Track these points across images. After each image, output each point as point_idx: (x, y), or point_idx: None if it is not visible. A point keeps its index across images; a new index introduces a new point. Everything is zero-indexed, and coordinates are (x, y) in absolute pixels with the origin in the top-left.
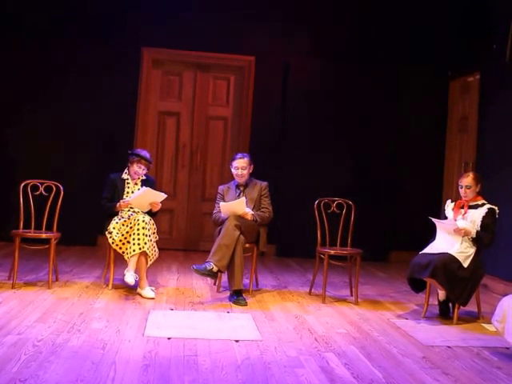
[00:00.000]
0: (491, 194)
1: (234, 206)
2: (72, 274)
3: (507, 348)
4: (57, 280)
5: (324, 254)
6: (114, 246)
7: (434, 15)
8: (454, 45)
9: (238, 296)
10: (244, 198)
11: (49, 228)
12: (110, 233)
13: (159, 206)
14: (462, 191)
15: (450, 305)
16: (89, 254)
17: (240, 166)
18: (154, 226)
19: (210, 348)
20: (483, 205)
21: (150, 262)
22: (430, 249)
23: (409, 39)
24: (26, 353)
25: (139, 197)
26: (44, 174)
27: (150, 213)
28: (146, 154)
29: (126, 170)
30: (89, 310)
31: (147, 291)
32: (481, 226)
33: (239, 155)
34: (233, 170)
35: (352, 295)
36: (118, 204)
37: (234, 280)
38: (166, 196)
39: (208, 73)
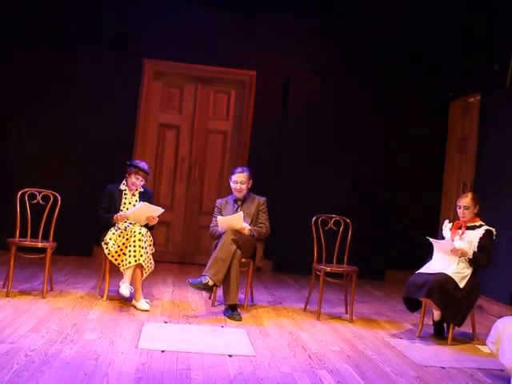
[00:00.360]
0: (489, 215)
1: (232, 221)
2: (67, 284)
3: (501, 370)
4: (51, 290)
5: (320, 271)
6: (109, 257)
7: (436, 35)
8: (456, 66)
9: (232, 311)
10: (242, 212)
11: (45, 237)
12: (107, 244)
13: (156, 221)
14: (459, 211)
15: (445, 325)
16: (84, 264)
17: (239, 180)
18: (151, 238)
19: (203, 362)
20: (481, 226)
21: (145, 275)
22: (427, 268)
23: (410, 58)
24: (18, 362)
25: (136, 211)
26: (42, 183)
27: (146, 226)
28: (144, 165)
29: (123, 181)
30: (83, 320)
31: (142, 303)
32: (478, 247)
33: (239, 169)
34: (232, 184)
35: (347, 313)
36: (115, 216)
37: (230, 294)
38: (163, 210)
39: (209, 86)
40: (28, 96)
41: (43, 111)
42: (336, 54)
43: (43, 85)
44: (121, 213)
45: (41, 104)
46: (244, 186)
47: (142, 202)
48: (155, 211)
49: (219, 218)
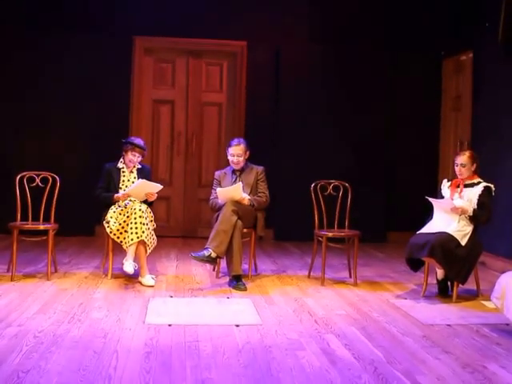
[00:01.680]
0: (487, 172)
1: (231, 192)
2: (71, 265)
3: (507, 324)
4: (56, 271)
5: (322, 237)
6: (111, 235)
7: None
8: (447, 23)
9: (237, 281)
10: (241, 183)
11: (46, 219)
12: (108, 222)
13: (155, 197)
14: (457, 169)
15: (449, 283)
16: (87, 244)
17: (236, 153)
18: (151, 213)
19: (210, 333)
20: (479, 183)
21: (148, 251)
22: (428, 228)
23: (401, 19)
24: (27, 344)
25: (135, 188)
26: (39, 165)
27: (146, 201)
28: (139, 141)
29: (121, 159)
30: (88, 299)
31: (147, 279)
32: (477, 205)
33: (235, 141)
34: (229, 157)
35: (351, 277)
36: (116, 196)
37: (233, 265)
38: (161, 187)
39: (200, 59)
40: (18, 77)
41: (35, 92)
42: (326, 20)
43: (33, 65)
44: (121, 192)
45: (32, 85)
46: (241, 159)
47: (140, 180)
48: (154, 188)
49: (218, 189)
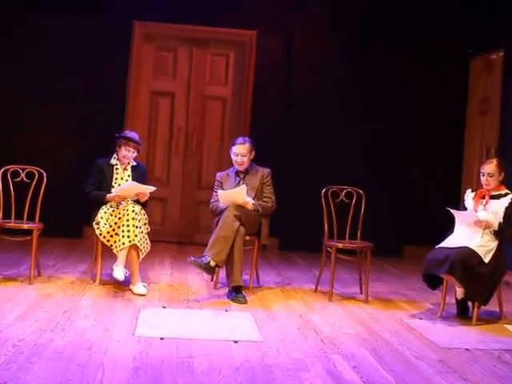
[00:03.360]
0: None
1: (234, 195)
2: (56, 269)
3: None
4: (39, 275)
5: (331, 248)
6: (101, 238)
7: None
8: (477, 19)
9: (237, 293)
10: (244, 185)
11: (31, 218)
12: (98, 223)
13: (147, 197)
14: (483, 179)
15: (469, 304)
16: (74, 246)
17: (240, 152)
18: (146, 216)
19: (206, 349)
20: (506, 194)
21: (141, 256)
22: (448, 243)
23: (428, 12)
24: (5, 353)
25: (123, 189)
26: (26, 159)
27: (139, 202)
28: (134, 135)
29: (114, 155)
30: (74, 307)
31: (139, 287)
32: (504, 218)
33: (240, 140)
34: (232, 157)
35: (362, 293)
36: (108, 197)
37: (233, 275)
38: (154, 189)
39: (205, 49)
40: (7, 61)
41: (24, 79)
42: (344, 11)
43: (25, 51)
44: (113, 191)
45: (19, 72)
46: (245, 159)
47: (129, 182)
48: (145, 190)
49: (220, 192)
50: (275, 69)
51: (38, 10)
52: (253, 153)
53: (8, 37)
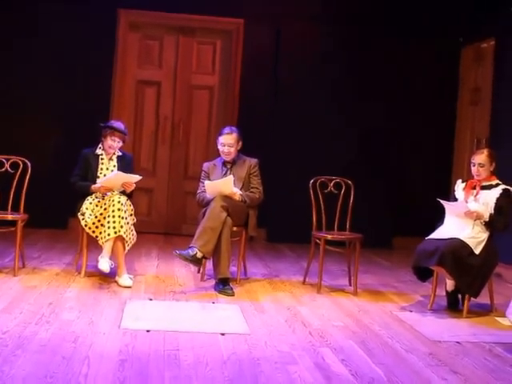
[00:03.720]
0: (506, 174)
1: (221, 185)
2: (40, 260)
3: None
4: (23, 266)
5: (320, 239)
6: (86, 229)
7: None
8: (467, 8)
9: (224, 285)
10: (232, 176)
11: (15, 209)
12: (83, 214)
13: (133, 187)
14: (474, 169)
15: (460, 296)
16: (59, 237)
17: (227, 142)
18: (132, 207)
19: (192, 342)
20: (497, 185)
21: (127, 248)
22: (438, 234)
23: (418, 1)
24: None
25: (109, 180)
26: (9, 149)
27: (124, 193)
28: (119, 125)
29: (99, 145)
30: (59, 299)
31: (124, 279)
32: (494, 209)
33: (227, 130)
34: (219, 147)
35: (351, 285)
36: (94, 187)
37: (220, 267)
38: (140, 178)
39: (192, 37)
40: None
41: (7, 68)
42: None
43: (6, 38)
44: (98, 183)
45: (5, 59)
46: (232, 149)
47: (114, 171)
48: (131, 179)
49: (207, 182)
50: (263, 58)
51: None
52: (240, 143)
53: None
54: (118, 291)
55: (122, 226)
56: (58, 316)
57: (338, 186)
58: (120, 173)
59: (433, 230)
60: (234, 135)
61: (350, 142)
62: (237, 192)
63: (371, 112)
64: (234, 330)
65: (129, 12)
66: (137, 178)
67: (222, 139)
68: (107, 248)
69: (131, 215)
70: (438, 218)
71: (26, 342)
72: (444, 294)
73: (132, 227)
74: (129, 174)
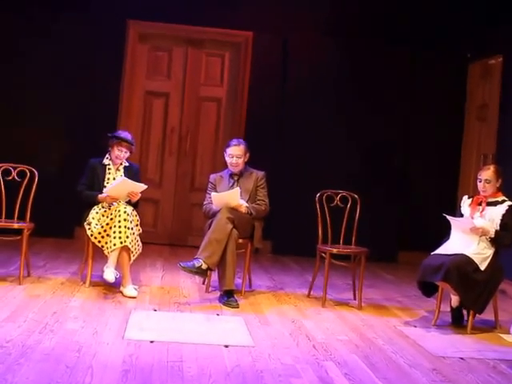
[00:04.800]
0: None
1: (228, 197)
2: (46, 269)
3: None
4: (29, 275)
5: (325, 253)
6: (92, 238)
7: None
8: (475, 23)
9: (228, 297)
10: (238, 188)
11: (21, 217)
12: (89, 224)
13: (138, 197)
14: (480, 185)
15: (464, 312)
16: (65, 247)
17: (235, 154)
18: (137, 217)
19: (196, 353)
20: (503, 201)
21: (132, 258)
22: (444, 249)
23: (424, 15)
24: None
25: (115, 187)
26: (17, 157)
27: (130, 203)
28: (126, 135)
29: (107, 155)
30: (63, 308)
31: (129, 290)
32: (500, 225)
33: (235, 142)
34: (227, 158)
35: (355, 299)
36: (100, 197)
37: (225, 279)
38: (145, 187)
39: (200, 49)
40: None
41: (17, 77)
42: (341, 12)
43: (16, 49)
44: (104, 192)
45: (14, 69)
46: (240, 161)
47: (121, 177)
48: (137, 187)
49: (214, 194)
50: (271, 70)
51: (33, 8)
52: (247, 155)
53: (1, 35)
54: (123, 301)
55: (127, 237)
56: (62, 325)
57: (345, 199)
58: (126, 179)
59: (438, 245)
60: (242, 147)
61: (357, 155)
62: (243, 204)
63: (378, 125)
64: (238, 342)
65: (138, 23)
66: (142, 186)
67: (230, 150)
68: (113, 258)
69: (137, 226)
70: (443, 233)
71: (30, 351)
72: (448, 309)
73: (138, 238)
74: (134, 182)
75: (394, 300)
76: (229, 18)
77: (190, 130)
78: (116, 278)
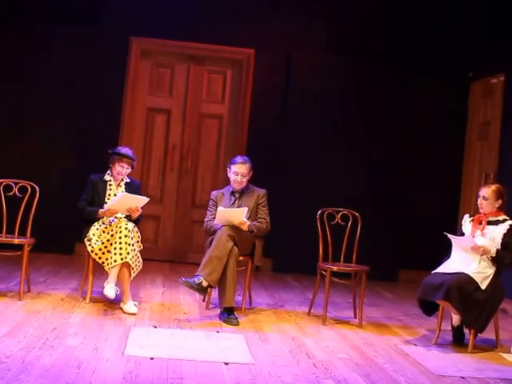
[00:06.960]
0: None
1: (233, 214)
2: (46, 285)
3: None
4: (29, 291)
5: (326, 271)
6: (93, 254)
7: (456, 10)
8: (477, 43)
9: (229, 314)
10: (246, 208)
11: (22, 233)
12: (90, 240)
13: (139, 212)
14: (478, 201)
15: (465, 331)
16: (65, 262)
17: (240, 172)
18: (138, 233)
19: (196, 370)
20: (504, 221)
21: (133, 274)
22: (444, 268)
23: (427, 35)
24: None
25: (116, 203)
26: (18, 173)
27: (130, 218)
28: (127, 151)
29: (108, 172)
30: (63, 324)
31: (129, 306)
32: (501, 244)
33: (240, 159)
34: (231, 176)
35: (356, 317)
36: (101, 212)
37: (226, 296)
38: (147, 200)
39: (202, 66)
40: (1, 74)
41: (19, 91)
42: (343, 29)
43: (18, 65)
44: (105, 207)
45: (16, 83)
46: (245, 179)
47: (121, 193)
48: (138, 201)
49: (220, 208)
50: (272, 88)
51: (36, 21)
52: (251, 173)
53: (4, 48)
54: (123, 318)
55: (128, 253)
56: (61, 341)
57: (345, 217)
58: (126, 194)
59: (439, 263)
60: (248, 165)
61: (358, 173)
62: (246, 222)
63: (379, 144)
64: (238, 359)
65: (141, 40)
66: (144, 199)
67: (236, 168)
68: (113, 274)
69: (138, 242)
70: (444, 251)
71: (30, 367)
72: (449, 328)
73: (138, 254)
74: (136, 196)
75: (395, 318)
76: (231, 35)
77: (191, 147)
78: (116, 294)
